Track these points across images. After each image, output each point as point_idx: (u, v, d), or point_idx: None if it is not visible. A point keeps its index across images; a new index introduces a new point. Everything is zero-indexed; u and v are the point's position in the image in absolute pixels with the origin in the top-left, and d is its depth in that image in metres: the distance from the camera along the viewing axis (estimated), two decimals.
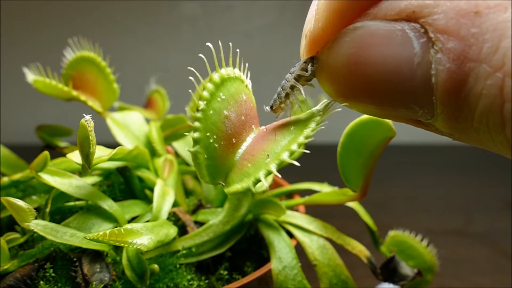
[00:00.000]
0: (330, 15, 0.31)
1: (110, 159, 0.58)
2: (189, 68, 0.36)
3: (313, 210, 0.76)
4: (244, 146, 0.38)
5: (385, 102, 0.29)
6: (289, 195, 0.82)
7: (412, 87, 0.27)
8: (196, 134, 0.35)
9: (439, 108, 0.27)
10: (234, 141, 0.38)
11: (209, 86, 0.36)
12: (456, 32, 0.25)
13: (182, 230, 0.64)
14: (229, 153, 0.37)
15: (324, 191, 0.69)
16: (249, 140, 0.39)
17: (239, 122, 0.38)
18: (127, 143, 0.72)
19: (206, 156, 0.36)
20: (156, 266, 0.54)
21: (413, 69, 0.27)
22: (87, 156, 0.49)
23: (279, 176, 0.35)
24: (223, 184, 0.37)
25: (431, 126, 0.30)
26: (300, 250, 0.63)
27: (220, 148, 0.36)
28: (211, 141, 0.36)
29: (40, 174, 0.58)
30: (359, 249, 0.64)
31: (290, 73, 0.37)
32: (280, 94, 0.39)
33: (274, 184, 0.86)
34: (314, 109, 0.38)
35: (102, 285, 0.53)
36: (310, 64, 0.34)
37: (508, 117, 0.24)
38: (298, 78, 0.36)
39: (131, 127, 0.78)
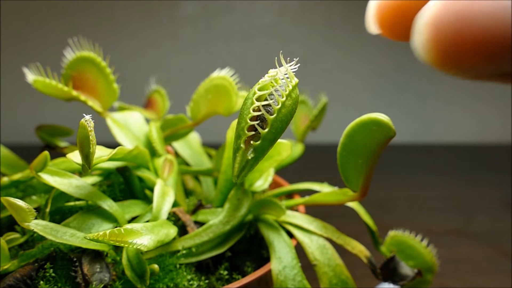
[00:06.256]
0: None
1: (110, 159, 0.58)
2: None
3: (313, 210, 0.76)
4: None
5: (493, 60, 0.30)
6: (289, 195, 0.82)
7: None
8: None
9: None
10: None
11: None
12: None
13: (182, 230, 0.64)
14: None
15: (324, 191, 0.69)
16: None
17: None
18: (127, 143, 0.72)
19: None
20: (156, 266, 0.54)
21: None
22: (87, 156, 0.50)
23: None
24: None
25: None
26: (300, 250, 0.63)
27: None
28: None
29: (40, 174, 0.58)
30: (359, 249, 0.64)
31: None
32: None
33: (274, 184, 0.86)
34: None
35: (102, 285, 0.53)
36: None
37: None
38: None
39: (131, 127, 0.78)
